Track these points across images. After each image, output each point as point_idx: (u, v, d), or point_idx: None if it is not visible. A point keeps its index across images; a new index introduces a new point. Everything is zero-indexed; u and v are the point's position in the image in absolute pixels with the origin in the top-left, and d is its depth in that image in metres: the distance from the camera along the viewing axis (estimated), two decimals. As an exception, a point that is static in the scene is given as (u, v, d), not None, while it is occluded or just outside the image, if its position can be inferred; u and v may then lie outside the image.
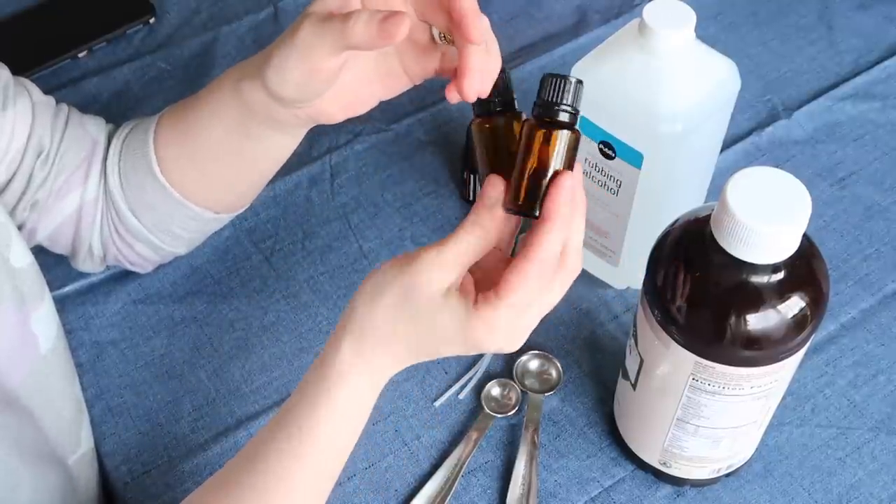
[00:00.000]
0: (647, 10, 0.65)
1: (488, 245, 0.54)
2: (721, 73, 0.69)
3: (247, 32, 1.02)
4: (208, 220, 0.75)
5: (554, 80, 0.53)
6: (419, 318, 0.54)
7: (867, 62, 0.97)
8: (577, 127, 0.54)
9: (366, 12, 0.54)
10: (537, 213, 0.53)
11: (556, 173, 0.53)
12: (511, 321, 0.53)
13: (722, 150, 0.80)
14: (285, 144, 0.69)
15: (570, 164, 0.53)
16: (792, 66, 0.97)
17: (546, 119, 0.53)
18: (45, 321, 0.67)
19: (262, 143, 0.68)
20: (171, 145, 0.71)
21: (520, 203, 0.53)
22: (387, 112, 0.94)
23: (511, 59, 0.99)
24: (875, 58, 0.97)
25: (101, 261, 0.77)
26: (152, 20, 1.02)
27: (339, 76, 0.60)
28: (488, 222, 0.53)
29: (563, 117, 0.53)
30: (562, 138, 0.53)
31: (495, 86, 0.56)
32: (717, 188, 0.58)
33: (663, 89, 0.66)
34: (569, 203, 0.52)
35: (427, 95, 0.96)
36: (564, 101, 0.53)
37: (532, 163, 0.53)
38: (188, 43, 1.01)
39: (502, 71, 0.56)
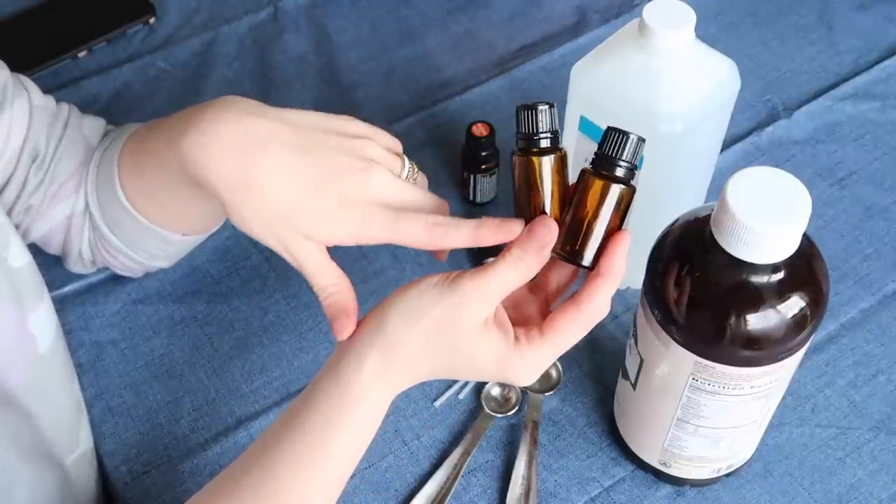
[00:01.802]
0: (647, 10, 0.65)
1: (525, 281, 0.55)
2: (721, 73, 0.69)
3: (246, 32, 1.02)
4: (180, 241, 0.74)
5: (616, 134, 0.55)
6: (458, 347, 0.55)
7: (867, 62, 0.97)
8: (633, 183, 0.56)
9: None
10: (586, 264, 0.55)
11: (614, 229, 0.55)
12: (546, 360, 0.56)
13: (722, 150, 0.80)
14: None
15: (622, 219, 0.55)
16: (792, 66, 0.97)
17: (604, 172, 0.55)
18: (43, 321, 0.67)
19: (208, 204, 0.66)
20: (129, 177, 0.69)
21: (573, 251, 0.55)
22: (387, 112, 0.94)
23: (511, 58, 0.99)
24: (875, 58, 0.97)
25: (91, 264, 0.78)
26: (152, 20, 1.02)
27: None
28: (534, 261, 0.55)
29: (623, 173, 0.55)
30: (624, 195, 0.55)
31: (541, 121, 0.57)
32: (717, 188, 0.58)
33: (663, 89, 0.66)
34: (624, 262, 0.55)
35: (427, 95, 0.96)
36: (625, 158, 0.55)
37: (591, 215, 0.55)
38: (188, 43, 1.01)
39: (551, 105, 0.57)
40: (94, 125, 0.74)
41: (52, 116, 0.71)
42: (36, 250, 0.84)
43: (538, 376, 0.57)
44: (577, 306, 0.55)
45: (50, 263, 0.83)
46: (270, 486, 0.56)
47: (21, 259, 0.65)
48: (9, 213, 0.70)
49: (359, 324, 0.57)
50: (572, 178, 0.57)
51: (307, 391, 0.57)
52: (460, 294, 0.54)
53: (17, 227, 0.72)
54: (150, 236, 0.72)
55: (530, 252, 0.54)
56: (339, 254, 0.84)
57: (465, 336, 0.54)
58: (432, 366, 0.56)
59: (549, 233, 0.55)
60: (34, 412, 0.67)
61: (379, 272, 0.83)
